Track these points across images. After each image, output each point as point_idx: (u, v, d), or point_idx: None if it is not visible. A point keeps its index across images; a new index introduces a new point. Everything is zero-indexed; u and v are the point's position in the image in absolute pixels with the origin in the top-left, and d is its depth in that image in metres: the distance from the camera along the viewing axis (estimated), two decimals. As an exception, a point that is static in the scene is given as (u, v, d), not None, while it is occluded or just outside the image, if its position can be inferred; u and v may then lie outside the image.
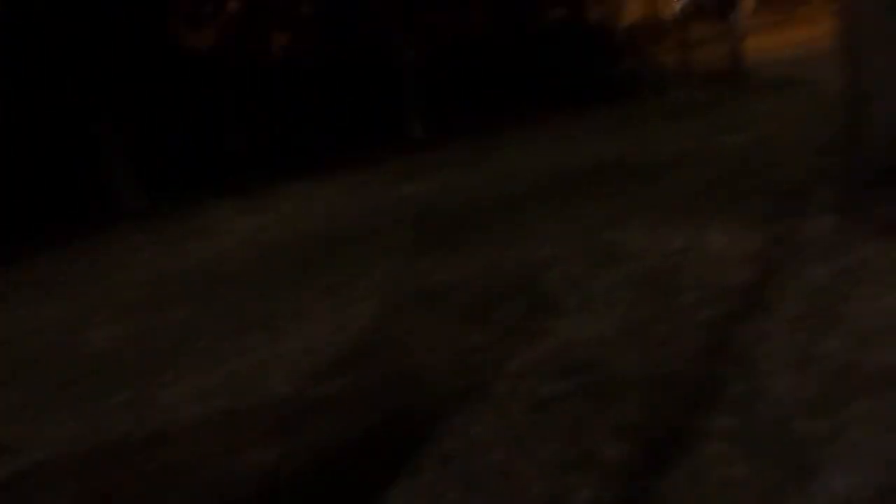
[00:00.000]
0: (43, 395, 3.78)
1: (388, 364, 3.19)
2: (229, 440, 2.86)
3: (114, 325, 4.77)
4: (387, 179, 8.17)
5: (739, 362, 2.50)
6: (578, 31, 13.20)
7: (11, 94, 9.26)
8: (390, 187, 7.65)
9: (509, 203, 5.62)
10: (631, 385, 2.51)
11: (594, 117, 9.38)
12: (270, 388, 3.22)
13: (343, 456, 2.60)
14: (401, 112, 11.78)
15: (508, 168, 7.24)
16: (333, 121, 12.24)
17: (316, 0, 13.89)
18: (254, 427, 2.91)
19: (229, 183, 9.74)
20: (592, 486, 2.06)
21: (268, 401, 3.11)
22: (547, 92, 11.25)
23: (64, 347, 4.53)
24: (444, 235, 5.15)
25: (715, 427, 2.18)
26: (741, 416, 2.21)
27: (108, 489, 2.69)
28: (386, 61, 12.32)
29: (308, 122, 12.42)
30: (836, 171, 3.63)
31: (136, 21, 9.78)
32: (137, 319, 4.78)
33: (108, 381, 3.77)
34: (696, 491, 1.95)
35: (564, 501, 2.03)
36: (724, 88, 8.94)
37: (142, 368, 3.83)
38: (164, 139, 10.59)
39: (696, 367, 2.55)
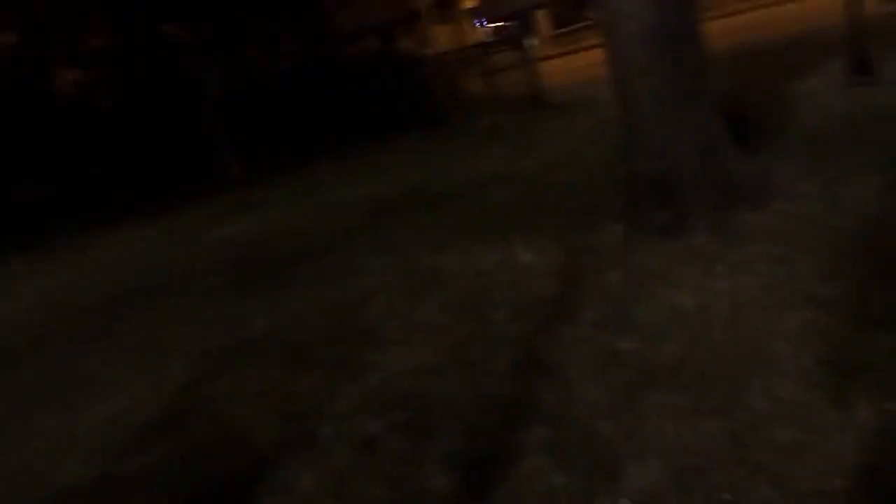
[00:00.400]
0: None
1: (203, 427, 2.96)
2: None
3: None
4: (202, 221, 7.74)
5: (549, 372, 2.63)
6: (390, 61, 13.52)
7: None
8: (206, 229, 7.26)
9: (329, 237, 5.55)
10: (453, 412, 2.53)
11: (406, 146, 9.62)
12: (65, 472, 2.85)
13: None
14: (213, 151, 11.27)
15: (325, 201, 7.17)
16: (141, 163, 11.42)
17: (110, 33, 12.92)
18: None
19: (19, 238, 8.69)
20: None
21: (62, 486, 2.75)
22: (359, 122, 11.37)
23: None
24: (264, 277, 4.95)
25: (532, 440, 2.27)
26: (554, 425, 2.31)
27: None
28: (193, 98, 11.77)
29: (109, 168, 11.48)
30: (618, 184, 3.99)
31: None
32: None
33: None
34: (519, 505, 2.01)
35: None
36: (524, 113, 9.57)
37: None
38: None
39: (511, 384, 2.64)
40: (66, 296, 5.86)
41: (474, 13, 27.93)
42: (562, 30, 26.90)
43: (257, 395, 3.09)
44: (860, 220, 3.11)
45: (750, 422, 2.08)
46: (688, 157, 3.56)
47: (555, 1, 27.33)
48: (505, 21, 27.38)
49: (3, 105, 10.89)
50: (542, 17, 27.98)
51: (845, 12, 5.41)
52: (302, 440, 2.60)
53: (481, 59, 11.75)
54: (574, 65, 14.25)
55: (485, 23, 28.19)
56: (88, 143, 11.38)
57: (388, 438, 2.47)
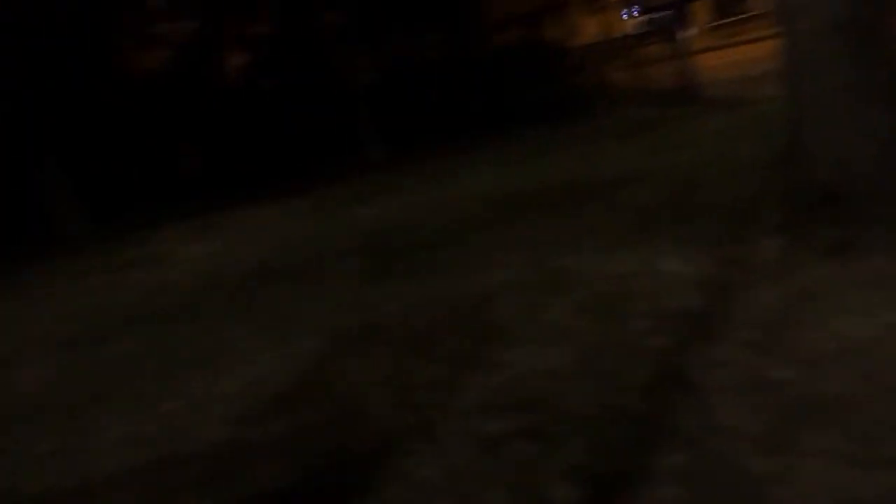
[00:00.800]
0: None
1: (329, 404, 3.03)
2: (157, 491, 2.66)
3: (46, 362, 4.51)
4: (340, 203, 8.02)
5: (690, 393, 2.42)
6: (535, 51, 13.32)
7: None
8: (346, 211, 7.51)
9: (463, 227, 5.53)
10: (581, 422, 2.40)
11: (549, 137, 9.41)
12: (205, 432, 3.02)
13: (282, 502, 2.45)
14: (357, 134, 11.66)
15: (462, 191, 7.17)
16: (290, 144, 12.06)
17: (273, 21, 13.72)
18: (185, 476, 2.72)
19: (178, 209, 9.46)
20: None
21: (201, 447, 2.91)
22: (503, 112, 11.29)
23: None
24: (394, 263, 5.02)
25: (667, 466, 2.09)
26: (692, 452, 2.12)
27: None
28: (342, 83, 12.23)
29: (263, 145, 12.21)
30: (779, 191, 3.62)
31: (77, 43, 9.47)
32: (71, 357, 4.53)
33: (36, 426, 3.53)
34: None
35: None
36: (673, 107, 9.06)
37: (72, 413, 3.58)
38: (109, 164, 10.27)
39: (646, 400, 2.46)
40: (214, 266, 6.27)
41: (624, 3, 26.89)
42: (721, 21, 25.24)
43: (382, 381, 3.11)
44: None
45: (935, 482, 1.78)
46: (868, 167, 3.16)
47: (715, -10, 25.69)
48: (659, 11, 26.15)
49: (178, 86, 11.89)
50: (699, 7, 26.41)
51: None
52: (423, 431, 2.57)
53: (629, 51, 11.27)
54: (733, 59, 13.29)
55: (635, 13, 27.08)
56: (247, 123, 12.18)
57: (510, 441, 2.39)
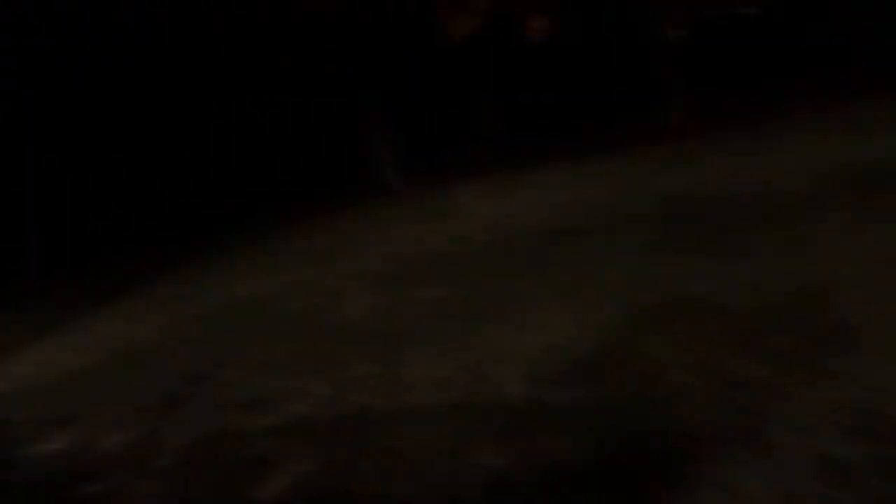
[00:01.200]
0: (297, 355, 4.09)
1: (634, 380, 2.86)
2: (459, 436, 2.78)
3: (365, 296, 5.05)
4: (640, 169, 7.64)
5: None
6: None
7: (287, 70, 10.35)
8: (643, 178, 7.14)
9: (784, 205, 4.85)
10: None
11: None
12: (504, 386, 3.09)
13: (579, 478, 2.37)
14: (656, 96, 11.00)
15: (785, 162, 6.29)
16: (586, 106, 11.88)
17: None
18: (484, 427, 2.80)
19: (478, 166, 9.93)
20: None
21: (500, 400, 2.98)
22: (839, 73, 9.67)
23: (319, 312, 4.89)
24: (702, 238, 4.59)
25: None
26: None
27: (345, 459, 2.77)
28: (640, 41, 11.61)
29: (560, 107, 12.22)
30: None
31: (407, 8, 10.33)
32: (385, 294, 5.00)
33: (356, 350, 3.96)
34: None
35: None
36: None
37: (386, 344, 3.95)
38: (421, 122, 11.16)
39: None
40: (511, 222, 6.42)
41: None
42: None
43: (689, 366, 2.85)
44: None
45: None
46: None
47: None
48: None
49: (483, 50, 12.39)
50: None
51: None
52: (748, 439, 2.27)
53: None
54: None
55: None
56: (543, 85, 12.26)
57: (864, 474, 1.98)
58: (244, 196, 10.24)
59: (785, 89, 10.00)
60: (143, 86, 9.80)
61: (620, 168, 7.88)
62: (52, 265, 8.58)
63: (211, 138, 11.01)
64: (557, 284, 4.32)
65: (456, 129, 12.18)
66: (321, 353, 4.05)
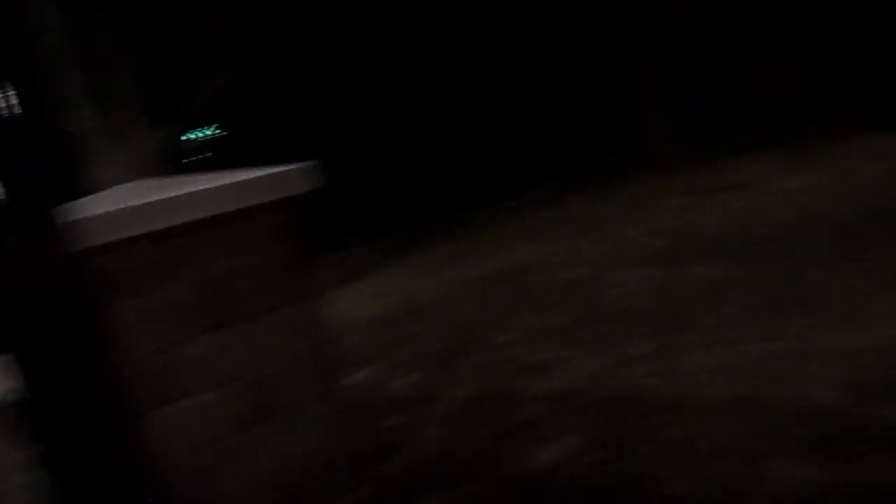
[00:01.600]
0: (568, 327, 4.03)
1: None
2: (756, 438, 2.46)
3: (638, 271, 4.81)
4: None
5: None
6: None
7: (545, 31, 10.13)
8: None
9: None
10: None
11: None
12: (806, 389, 2.68)
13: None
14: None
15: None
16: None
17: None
18: (784, 433, 2.44)
19: (769, 135, 8.84)
20: None
21: (802, 404, 2.58)
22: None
23: (591, 284, 4.77)
24: None
25: None
26: None
27: (621, 441, 2.64)
28: None
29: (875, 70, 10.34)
30: None
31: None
32: (661, 269, 4.71)
33: (630, 327, 3.78)
34: None
35: None
36: None
37: (664, 324, 3.70)
38: (695, 85, 10.28)
39: None
40: (812, 199, 5.58)
41: None
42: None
43: None
44: None
45: None
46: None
47: None
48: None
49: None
50: None
51: None
52: None
53: None
54: None
55: None
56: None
57: None
58: (520, 165, 10.46)
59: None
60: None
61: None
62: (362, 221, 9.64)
63: (493, 109, 11.46)
64: (880, 278, 3.63)
65: (743, 95, 10.99)
66: (591, 327, 3.95)
